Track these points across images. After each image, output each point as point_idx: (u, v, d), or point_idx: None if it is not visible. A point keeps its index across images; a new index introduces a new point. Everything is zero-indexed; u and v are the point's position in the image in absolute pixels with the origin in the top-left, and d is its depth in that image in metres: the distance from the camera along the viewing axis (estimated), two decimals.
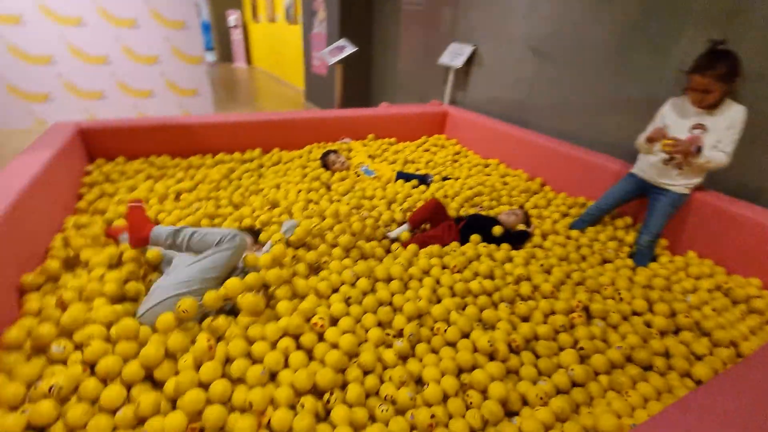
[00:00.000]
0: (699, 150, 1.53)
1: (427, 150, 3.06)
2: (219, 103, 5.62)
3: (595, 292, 1.50)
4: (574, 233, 1.90)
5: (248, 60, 10.07)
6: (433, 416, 0.98)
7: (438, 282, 1.45)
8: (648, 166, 1.76)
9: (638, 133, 1.76)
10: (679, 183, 1.69)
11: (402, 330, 1.23)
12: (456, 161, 2.86)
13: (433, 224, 1.88)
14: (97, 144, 2.35)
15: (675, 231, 1.84)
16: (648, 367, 1.21)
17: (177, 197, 2.08)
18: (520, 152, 2.59)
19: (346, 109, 3.11)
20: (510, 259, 1.65)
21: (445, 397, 1.06)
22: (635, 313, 1.42)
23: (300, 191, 2.14)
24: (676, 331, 1.38)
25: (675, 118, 1.66)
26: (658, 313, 1.40)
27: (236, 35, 9.81)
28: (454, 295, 1.41)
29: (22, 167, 1.61)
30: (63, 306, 1.19)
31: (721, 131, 1.55)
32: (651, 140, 1.66)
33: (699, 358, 1.26)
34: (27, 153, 1.78)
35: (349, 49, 3.43)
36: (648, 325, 1.38)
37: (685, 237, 1.82)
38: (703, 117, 1.58)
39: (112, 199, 1.98)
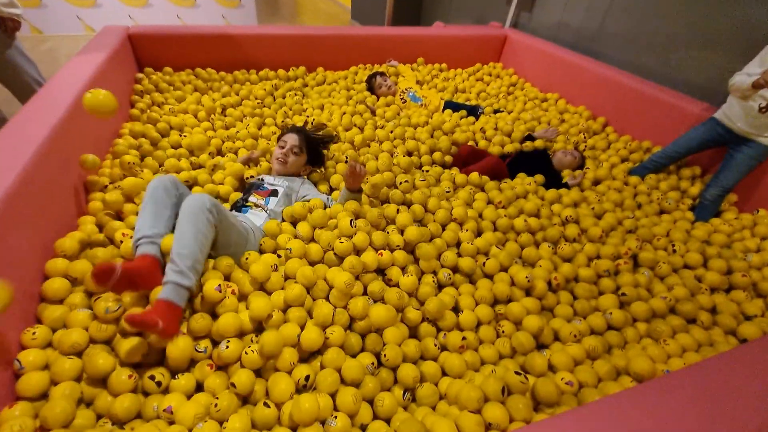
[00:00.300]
0: None
1: (479, 80, 2.84)
2: (261, 16, 5.39)
3: (647, 242, 1.42)
4: (633, 179, 1.77)
5: None
6: (464, 338, 1.01)
7: (480, 216, 1.42)
8: (738, 112, 1.53)
9: (730, 71, 1.52)
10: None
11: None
12: (510, 93, 2.65)
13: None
14: (145, 51, 2.34)
15: (748, 186, 1.67)
16: (691, 321, 1.18)
17: (223, 111, 2.09)
18: (583, 87, 2.35)
19: (395, 27, 2.89)
20: (559, 199, 1.57)
21: (479, 325, 1.09)
22: (687, 266, 1.35)
23: (344, 114, 2.08)
24: (728, 290, 1.31)
25: None
26: (712, 268, 1.32)
27: None
28: (495, 230, 1.38)
29: (78, 69, 1.63)
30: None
31: None
32: (758, 86, 1.40)
33: (748, 318, 1.21)
34: (81, 55, 1.80)
35: None
36: (699, 279, 1.31)
37: (758, 193, 1.65)
38: None
39: (162, 108, 2.01)
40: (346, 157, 1.64)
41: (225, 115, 2.04)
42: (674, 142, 1.75)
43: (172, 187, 1.11)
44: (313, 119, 2.01)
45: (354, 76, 2.60)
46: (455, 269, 1.22)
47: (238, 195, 1.44)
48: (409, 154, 1.79)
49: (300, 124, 1.98)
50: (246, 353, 0.89)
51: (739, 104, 1.53)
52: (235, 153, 1.78)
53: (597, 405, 0.65)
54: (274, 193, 1.38)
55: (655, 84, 2.05)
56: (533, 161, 1.76)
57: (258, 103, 2.19)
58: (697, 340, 1.07)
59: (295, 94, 2.36)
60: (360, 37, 2.71)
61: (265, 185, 1.41)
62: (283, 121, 2.04)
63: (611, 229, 1.45)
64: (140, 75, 2.24)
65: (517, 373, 0.87)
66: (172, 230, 1.05)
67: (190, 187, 1.49)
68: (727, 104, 1.60)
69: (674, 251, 1.37)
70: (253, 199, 1.35)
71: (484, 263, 1.22)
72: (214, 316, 0.98)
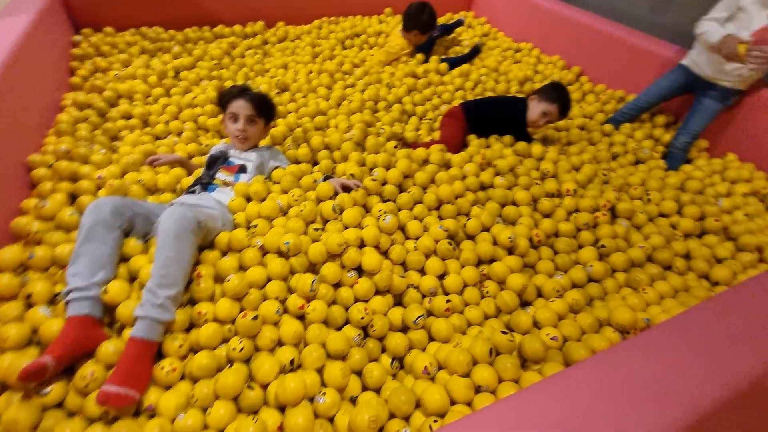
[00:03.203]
0: None
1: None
2: None
3: (623, 192, 1.43)
4: (608, 128, 1.76)
5: None
6: (448, 301, 1.00)
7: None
8: (706, 59, 1.52)
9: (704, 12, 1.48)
10: (736, 79, 1.48)
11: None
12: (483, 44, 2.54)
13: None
14: (81, 9, 2.08)
15: (717, 131, 1.69)
16: (667, 267, 1.20)
17: (176, 75, 1.90)
18: (558, 34, 2.27)
19: None
20: (533, 155, 1.54)
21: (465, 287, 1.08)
22: (662, 215, 1.37)
23: (311, 72, 1.95)
24: (701, 235, 1.34)
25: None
26: (686, 215, 1.35)
27: None
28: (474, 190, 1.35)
29: None
30: None
31: None
32: (730, 58, 1.38)
33: (720, 261, 1.25)
34: (1, 18, 1.57)
35: None
36: (674, 227, 1.34)
37: (726, 138, 1.68)
38: None
39: (107, 75, 1.82)
40: (332, 173, 1.37)
41: (179, 79, 1.87)
42: (645, 92, 1.73)
43: (115, 219, 0.93)
44: (278, 80, 1.87)
45: (318, 31, 2.42)
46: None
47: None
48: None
49: (264, 87, 1.84)
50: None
51: (707, 51, 1.50)
52: (195, 121, 1.64)
53: (586, 364, 0.65)
54: (243, 168, 1.27)
55: (632, 29, 2.00)
56: (504, 110, 1.66)
57: (215, 64, 2.01)
58: (673, 287, 1.10)
59: (255, 53, 2.19)
60: None
61: (231, 160, 1.29)
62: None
63: (588, 180, 1.44)
64: (77, 37, 2.00)
65: (503, 332, 0.87)
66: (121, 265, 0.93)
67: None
68: (695, 50, 1.58)
69: (649, 200, 1.38)
70: (221, 176, 1.24)
71: (465, 225, 1.20)
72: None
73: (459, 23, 2.42)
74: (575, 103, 1.96)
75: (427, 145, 1.46)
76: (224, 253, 1.03)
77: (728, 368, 0.60)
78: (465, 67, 2.11)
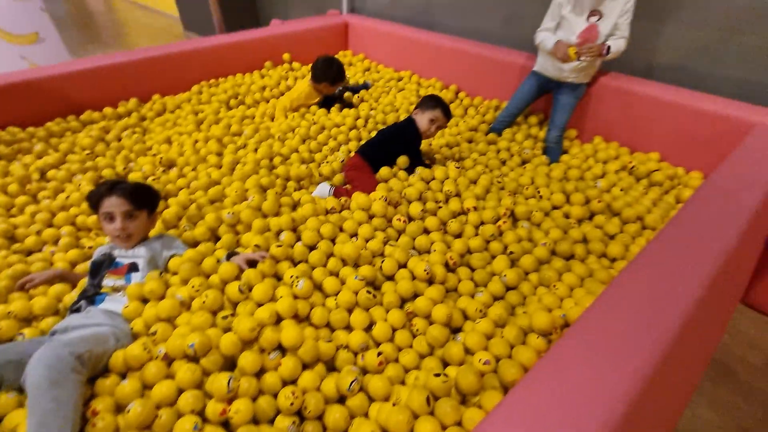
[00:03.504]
0: (608, 50, 1.54)
1: None
2: (74, 47, 4.59)
3: (518, 194, 1.53)
4: (492, 137, 1.90)
5: None
6: (380, 353, 0.97)
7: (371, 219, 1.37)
8: (549, 63, 1.72)
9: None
10: (577, 74, 1.69)
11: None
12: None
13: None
14: None
15: (581, 119, 1.90)
16: (570, 257, 1.30)
17: (42, 176, 1.70)
18: (431, 58, 2.44)
19: (232, 34, 2.65)
20: (437, 177, 1.60)
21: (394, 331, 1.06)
22: (555, 208, 1.49)
23: (197, 142, 1.86)
24: (591, 217, 1.47)
25: (571, 8, 1.59)
26: (574, 203, 1.48)
27: None
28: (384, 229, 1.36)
29: None
30: None
31: (616, 16, 1.53)
32: (556, 56, 1.61)
33: (612, 237, 1.38)
34: None
35: None
36: (567, 216, 1.46)
37: (590, 124, 1.90)
38: (601, 2, 1.53)
39: None
40: (235, 249, 1.29)
41: (47, 180, 1.67)
42: (512, 99, 1.91)
43: None
44: (162, 157, 1.75)
45: (198, 96, 2.34)
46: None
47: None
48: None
49: (148, 165, 1.71)
50: None
51: (548, 57, 1.71)
52: (73, 224, 1.47)
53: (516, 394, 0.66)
54: (134, 267, 1.14)
55: (490, 45, 2.21)
56: (397, 137, 1.70)
57: (87, 154, 1.84)
58: (579, 276, 1.19)
59: (134, 132, 2.04)
60: (192, 51, 2.43)
61: (118, 261, 1.16)
62: (124, 168, 1.75)
63: (486, 191, 1.53)
64: None
65: (436, 374, 0.86)
66: None
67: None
68: (540, 57, 1.78)
69: (540, 197, 1.50)
70: (108, 282, 1.10)
71: (381, 267, 1.19)
72: None
73: (366, 86, 2.43)
74: (459, 119, 2.09)
75: (348, 193, 1.47)
76: (123, 376, 0.91)
77: (631, 361, 0.64)
78: (354, 108, 2.17)
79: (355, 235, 1.31)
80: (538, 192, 1.52)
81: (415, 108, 1.70)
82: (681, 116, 1.60)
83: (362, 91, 2.38)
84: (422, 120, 1.65)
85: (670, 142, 1.66)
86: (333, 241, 1.28)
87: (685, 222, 0.93)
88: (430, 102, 1.66)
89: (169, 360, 0.93)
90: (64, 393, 0.75)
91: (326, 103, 2.22)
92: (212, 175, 1.62)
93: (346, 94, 2.31)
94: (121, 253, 1.17)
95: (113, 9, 6.79)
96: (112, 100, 2.21)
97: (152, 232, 1.32)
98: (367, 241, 1.28)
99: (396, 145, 1.67)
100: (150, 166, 1.72)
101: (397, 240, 1.32)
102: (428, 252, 1.29)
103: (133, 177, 1.66)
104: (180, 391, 0.87)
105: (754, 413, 1.14)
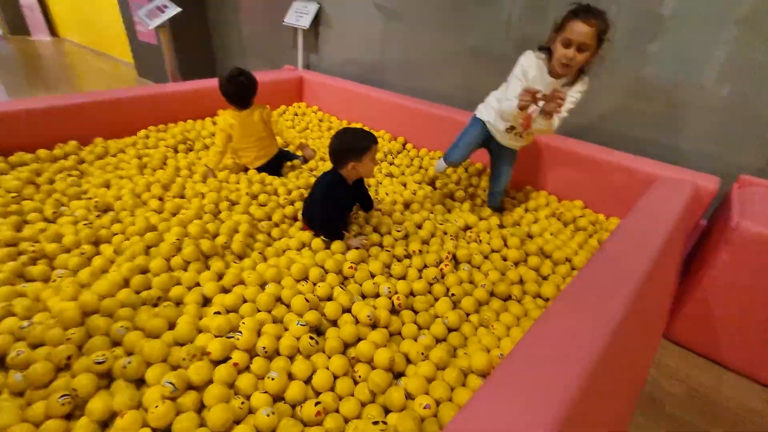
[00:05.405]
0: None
1: (288, 120, 2.86)
2: (17, 89, 4.39)
3: (459, 239, 1.61)
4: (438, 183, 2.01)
5: (52, 30, 8.00)
6: (317, 404, 0.93)
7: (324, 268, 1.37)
8: (493, 127, 1.64)
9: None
10: (519, 143, 1.67)
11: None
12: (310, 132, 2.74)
13: None
14: None
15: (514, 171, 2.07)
16: (508, 297, 1.36)
17: None
18: (380, 113, 2.59)
19: (186, 82, 2.68)
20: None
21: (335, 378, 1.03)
22: (494, 251, 1.57)
23: (135, 186, 1.79)
24: (526, 259, 1.57)
25: (527, 86, 1.39)
26: (511, 246, 1.57)
27: None
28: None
29: None
30: None
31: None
32: (523, 107, 1.36)
33: (545, 278, 1.47)
34: None
35: (172, 10, 2.92)
36: (504, 258, 1.54)
37: (522, 175, 2.07)
38: (550, 87, 1.39)
39: None
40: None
41: None
42: (458, 150, 1.74)
43: None
44: (96, 201, 1.67)
45: (145, 140, 2.29)
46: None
47: None
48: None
49: (81, 210, 1.62)
50: None
51: (497, 124, 1.62)
52: None
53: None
54: None
55: (432, 102, 2.41)
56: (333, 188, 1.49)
57: (13, 197, 1.71)
58: (515, 315, 1.24)
59: (69, 175, 1.94)
60: (142, 97, 2.41)
61: None
62: (54, 212, 1.64)
63: (432, 235, 1.59)
64: None
65: (374, 422, 0.84)
66: None
67: None
68: (493, 119, 1.63)
69: (480, 241, 1.58)
70: None
71: (323, 312, 1.18)
72: None
73: (304, 160, 2.24)
74: (406, 168, 2.20)
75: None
76: None
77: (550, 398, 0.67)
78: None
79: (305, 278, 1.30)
80: (478, 236, 1.60)
81: (335, 159, 1.44)
82: (598, 169, 1.80)
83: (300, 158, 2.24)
84: (363, 169, 1.43)
85: (592, 192, 1.85)
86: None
87: (600, 262, 1.02)
88: (340, 151, 1.39)
89: None
90: None
91: (274, 165, 2.09)
92: (151, 219, 1.56)
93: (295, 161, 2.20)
94: None
95: (65, 53, 6.65)
96: (48, 143, 2.11)
97: None
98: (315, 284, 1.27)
99: (340, 194, 1.49)
100: (83, 211, 1.63)
101: (343, 285, 1.32)
102: (374, 297, 1.29)
103: (64, 221, 1.56)
104: None
105: None
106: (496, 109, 1.59)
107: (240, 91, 1.93)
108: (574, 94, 1.43)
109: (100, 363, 0.93)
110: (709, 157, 1.75)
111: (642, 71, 1.81)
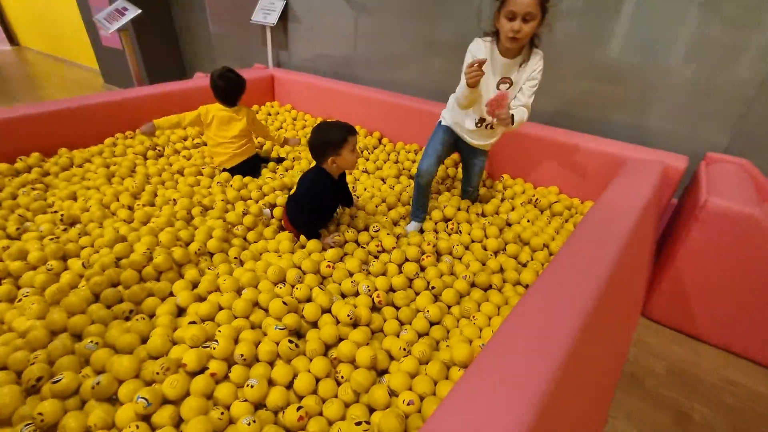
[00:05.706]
0: (512, 119, 1.37)
1: (261, 121, 2.81)
2: None
3: (441, 231, 1.61)
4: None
5: (11, 39, 7.65)
6: (299, 408, 0.92)
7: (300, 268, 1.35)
8: (461, 129, 1.59)
9: (456, 72, 1.82)
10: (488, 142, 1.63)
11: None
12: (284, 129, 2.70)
13: None
14: None
15: (490, 161, 2.07)
16: (488, 287, 1.36)
17: None
18: (355, 109, 2.56)
19: (151, 86, 2.59)
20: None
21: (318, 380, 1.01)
22: (474, 241, 1.57)
23: (104, 196, 1.73)
24: (505, 248, 1.57)
25: (488, 60, 1.37)
26: (490, 236, 1.57)
27: None
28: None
29: None
30: None
31: (522, 82, 1.41)
32: (474, 84, 1.32)
33: (524, 265, 1.47)
34: None
35: (132, 12, 2.81)
36: (484, 248, 1.54)
37: (498, 164, 2.08)
38: (511, 70, 1.40)
39: None
40: None
41: None
42: (430, 155, 1.64)
43: None
44: (62, 215, 1.61)
45: (112, 149, 2.22)
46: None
47: None
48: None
49: (47, 224, 1.55)
50: None
51: (462, 124, 1.58)
52: None
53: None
54: None
55: (406, 95, 2.39)
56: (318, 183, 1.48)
57: None
58: (496, 305, 1.24)
59: (33, 189, 1.86)
60: (106, 104, 2.32)
61: None
62: (18, 228, 1.57)
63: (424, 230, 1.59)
64: None
65: (357, 423, 0.83)
66: None
67: None
68: (460, 119, 1.58)
69: (459, 232, 1.58)
70: None
71: (302, 314, 1.16)
72: None
73: (279, 161, 2.22)
74: (383, 163, 2.19)
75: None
76: None
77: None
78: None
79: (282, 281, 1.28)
80: (458, 226, 1.60)
81: (316, 156, 1.44)
82: (570, 154, 1.82)
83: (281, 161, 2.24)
84: (344, 162, 1.43)
85: (566, 177, 1.87)
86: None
87: (574, 246, 1.03)
88: (317, 145, 1.39)
89: None
90: None
91: (251, 166, 2.07)
92: (121, 230, 1.51)
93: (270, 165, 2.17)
94: None
95: (26, 62, 6.37)
96: (9, 157, 2.02)
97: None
98: (293, 287, 1.25)
99: (324, 191, 1.47)
100: (49, 225, 1.56)
101: (322, 285, 1.30)
102: (354, 295, 1.28)
103: (29, 237, 1.49)
104: None
105: (664, 419, 1.23)
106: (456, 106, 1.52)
107: (229, 87, 1.98)
108: (534, 75, 1.39)
109: (55, 382, 0.89)
110: (677, 137, 1.78)
111: (608, 54, 1.83)
